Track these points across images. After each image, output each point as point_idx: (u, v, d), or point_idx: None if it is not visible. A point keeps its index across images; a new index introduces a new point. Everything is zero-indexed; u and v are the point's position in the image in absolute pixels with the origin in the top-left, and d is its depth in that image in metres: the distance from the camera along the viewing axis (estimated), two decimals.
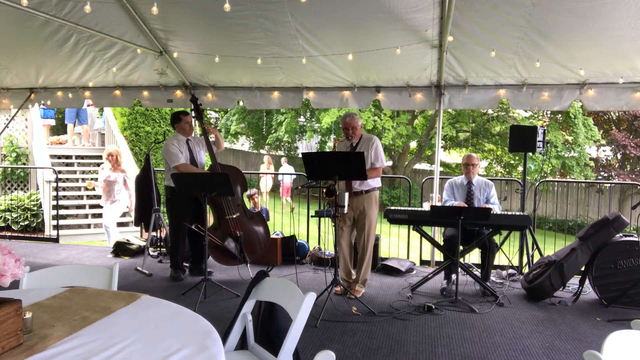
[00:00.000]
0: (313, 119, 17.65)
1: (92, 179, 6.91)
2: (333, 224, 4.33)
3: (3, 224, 8.83)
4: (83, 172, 10.27)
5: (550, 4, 3.95)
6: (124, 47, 5.37)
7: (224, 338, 2.10)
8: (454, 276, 4.67)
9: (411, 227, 5.09)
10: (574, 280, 4.76)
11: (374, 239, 4.64)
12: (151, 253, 6.12)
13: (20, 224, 8.84)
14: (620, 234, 4.51)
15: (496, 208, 4.71)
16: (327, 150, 15.75)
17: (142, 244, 6.25)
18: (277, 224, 7.17)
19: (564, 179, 15.28)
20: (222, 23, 4.70)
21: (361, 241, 4.54)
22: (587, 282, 4.62)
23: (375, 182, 4.53)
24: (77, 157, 10.56)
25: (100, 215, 9.50)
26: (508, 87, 5.30)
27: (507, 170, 17.17)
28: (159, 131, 11.60)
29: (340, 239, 4.51)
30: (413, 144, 18.28)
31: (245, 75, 5.80)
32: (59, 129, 13.54)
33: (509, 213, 4.64)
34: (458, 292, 4.42)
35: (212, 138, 5.14)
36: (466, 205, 4.82)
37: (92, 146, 11.20)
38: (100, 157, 10.90)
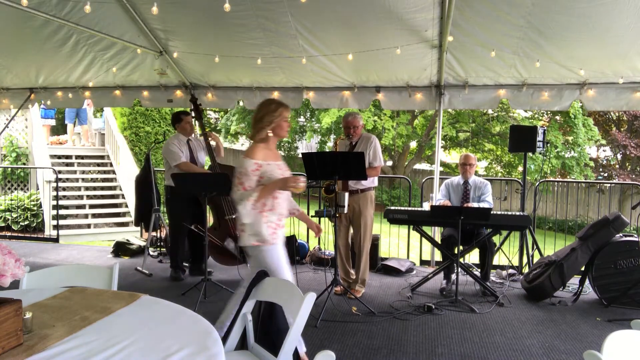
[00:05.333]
0: (313, 119, 17.64)
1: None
2: (333, 224, 4.33)
3: (3, 224, 8.83)
4: (83, 172, 10.27)
5: (550, 3, 3.95)
6: (124, 47, 5.37)
7: (224, 338, 2.10)
8: (453, 276, 4.67)
9: (411, 227, 5.09)
10: (574, 280, 4.76)
11: (370, 239, 4.64)
12: (151, 253, 6.12)
13: (20, 224, 8.84)
14: (620, 234, 4.51)
15: (486, 205, 4.68)
16: (327, 150, 15.75)
17: (142, 244, 6.25)
18: None
19: (564, 179, 15.27)
20: (222, 23, 4.70)
21: (358, 241, 4.54)
22: (587, 282, 4.62)
23: (371, 182, 4.53)
24: (77, 157, 10.56)
25: (100, 215, 9.53)
26: (508, 87, 5.30)
27: (507, 170, 17.15)
28: (159, 131, 11.60)
29: (337, 238, 4.51)
30: (413, 144, 18.26)
31: (245, 75, 5.79)
32: (58, 129, 13.54)
33: (509, 213, 4.64)
34: (458, 292, 4.42)
35: (212, 143, 5.14)
36: (449, 204, 4.82)
37: (92, 146, 11.20)
38: (100, 157, 10.93)
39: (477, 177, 5.04)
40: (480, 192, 4.87)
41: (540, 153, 5.65)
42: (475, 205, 4.69)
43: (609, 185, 13.64)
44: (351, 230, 4.68)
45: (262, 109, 2.94)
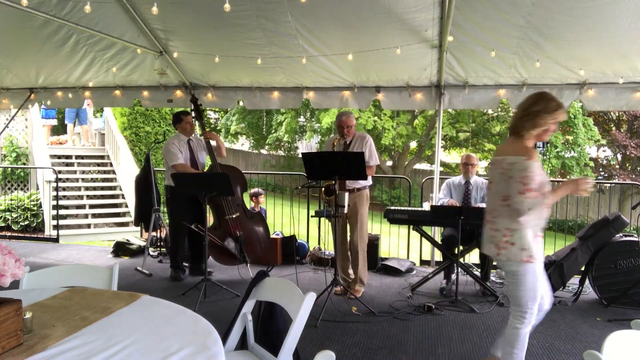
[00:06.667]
0: (313, 119, 17.65)
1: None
2: (332, 223, 4.32)
3: (3, 224, 8.83)
4: (83, 172, 10.26)
5: (550, 3, 3.95)
6: (124, 47, 5.37)
7: (224, 338, 2.10)
8: (453, 276, 4.67)
9: (411, 227, 5.08)
10: (574, 280, 4.76)
11: (367, 236, 4.65)
12: (151, 253, 6.11)
13: (20, 224, 8.84)
14: (620, 234, 4.51)
15: None
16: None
17: (142, 244, 6.25)
18: (277, 224, 7.16)
19: (564, 179, 15.27)
20: (222, 23, 4.70)
21: (354, 239, 4.54)
22: (587, 282, 4.61)
23: (367, 181, 4.53)
24: (77, 157, 10.56)
25: (100, 215, 9.53)
26: (508, 87, 5.30)
27: None
28: (159, 131, 11.60)
29: (336, 237, 4.51)
30: (413, 144, 18.28)
31: (245, 75, 5.79)
32: (59, 129, 13.54)
33: None
34: (458, 292, 4.42)
35: (213, 143, 5.14)
36: (457, 204, 4.82)
37: (92, 146, 11.20)
38: (100, 157, 10.92)
39: (478, 177, 5.04)
40: (483, 193, 4.87)
41: (540, 153, 5.64)
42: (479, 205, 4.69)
43: (609, 185, 13.62)
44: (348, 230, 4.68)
45: (540, 103, 2.47)
